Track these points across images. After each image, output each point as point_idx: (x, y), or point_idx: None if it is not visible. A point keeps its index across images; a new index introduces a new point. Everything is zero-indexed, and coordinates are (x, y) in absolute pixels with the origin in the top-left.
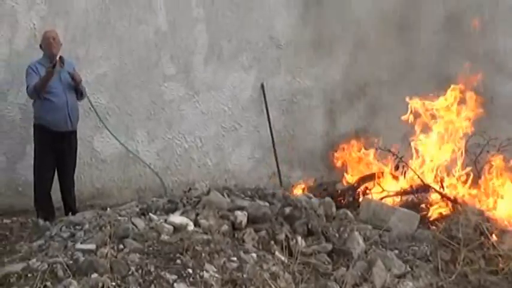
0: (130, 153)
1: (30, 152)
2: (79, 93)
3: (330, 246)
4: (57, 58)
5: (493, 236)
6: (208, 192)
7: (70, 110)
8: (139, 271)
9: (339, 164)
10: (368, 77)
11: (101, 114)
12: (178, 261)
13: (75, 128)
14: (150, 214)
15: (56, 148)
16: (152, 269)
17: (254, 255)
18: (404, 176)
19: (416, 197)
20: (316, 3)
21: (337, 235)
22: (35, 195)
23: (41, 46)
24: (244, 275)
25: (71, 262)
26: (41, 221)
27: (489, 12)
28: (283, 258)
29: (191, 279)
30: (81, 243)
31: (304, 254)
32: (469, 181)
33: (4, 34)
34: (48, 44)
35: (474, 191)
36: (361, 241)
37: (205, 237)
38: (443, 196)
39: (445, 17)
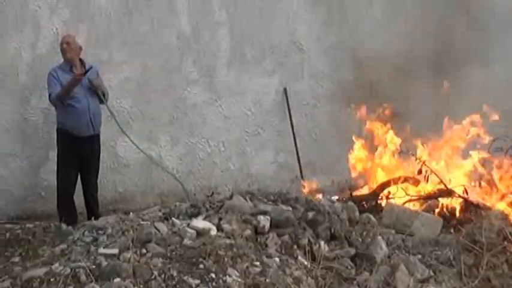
0: (151, 161)
1: (53, 156)
2: (100, 98)
3: (353, 251)
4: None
5: None
6: (231, 197)
7: (92, 114)
8: (162, 276)
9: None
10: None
11: (123, 118)
12: (201, 265)
13: (97, 133)
14: (173, 219)
15: (78, 153)
16: (175, 274)
17: (277, 259)
18: (427, 181)
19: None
20: (339, 8)
21: (360, 240)
22: (57, 200)
23: None
24: (267, 280)
25: (94, 267)
26: (63, 226)
27: None
28: (306, 262)
29: (214, 283)
30: (103, 247)
31: (327, 258)
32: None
33: (27, 38)
34: (62, 50)
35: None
36: (384, 246)
37: (228, 241)
38: (467, 201)
39: None
